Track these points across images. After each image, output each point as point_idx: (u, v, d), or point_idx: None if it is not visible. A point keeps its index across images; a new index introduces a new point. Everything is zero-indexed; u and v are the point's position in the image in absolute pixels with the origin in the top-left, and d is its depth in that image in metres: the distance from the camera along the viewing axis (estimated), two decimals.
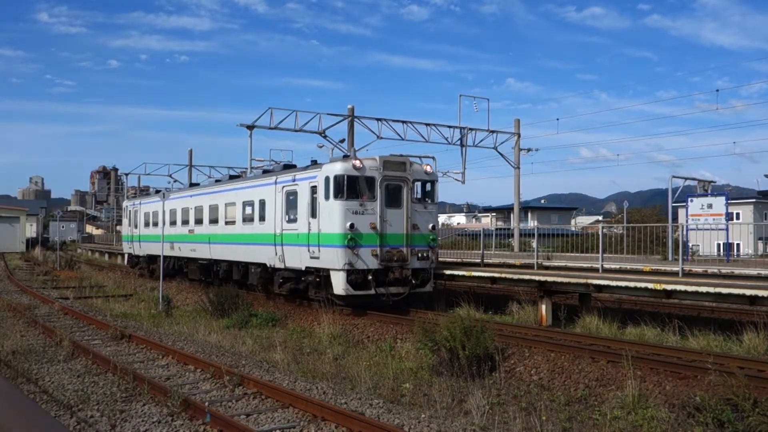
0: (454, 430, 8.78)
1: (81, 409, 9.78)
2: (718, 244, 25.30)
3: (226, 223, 24.53)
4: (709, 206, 21.14)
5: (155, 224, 31.74)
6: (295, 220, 19.68)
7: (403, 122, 30.90)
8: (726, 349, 13.51)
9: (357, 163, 18.21)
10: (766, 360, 12.06)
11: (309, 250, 18.76)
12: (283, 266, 20.28)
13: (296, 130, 29.78)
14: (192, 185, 33.60)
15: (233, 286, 22.19)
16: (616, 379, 11.34)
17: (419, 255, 18.89)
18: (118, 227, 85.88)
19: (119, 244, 66.07)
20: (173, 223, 29.79)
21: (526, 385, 11.67)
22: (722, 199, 21.37)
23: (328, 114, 30.42)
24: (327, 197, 18.20)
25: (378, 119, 30.54)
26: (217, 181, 30.78)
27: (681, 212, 29.13)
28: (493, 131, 33.21)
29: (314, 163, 19.99)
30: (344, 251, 17.64)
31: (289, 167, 22.44)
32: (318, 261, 18.56)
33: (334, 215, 17.97)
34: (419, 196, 19.49)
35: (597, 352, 12.82)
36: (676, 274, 16.56)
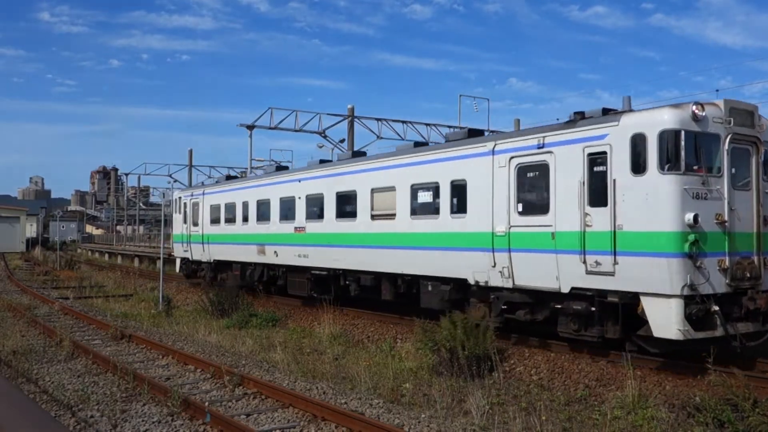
0: (454, 430, 8.79)
1: (81, 409, 9.79)
2: None
3: (375, 217, 16.89)
4: None
5: (231, 220, 24.15)
6: (541, 210, 12.71)
7: (403, 122, 30.96)
8: None
9: (697, 110, 11.06)
10: None
11: (584, 260, 11.80)
12: (508, 284, 13.12)
13: (296, 130, 29.83)
14: (279, 168, 24.45)
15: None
16: (616, 379, 11.34)
17: None
18: (118, 227, 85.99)
19: (119, 245, 66.31)
20: (263, 218, 21.99)
21: (526, 385, 11.67)
22: None
23: (328, 114, 30.51)
24: (639, 169, 11.18)
25: (378, 119, 30.59)
26: (320, 162, 21.13)
27: None
28: (493, 131, 33.16)
29: (581, 117, 12.44)
30: (682, 263, 10.73)
31: (499, 134, 15.36)
32: (608, 279, 11.53)
33: (658, 200, 10.98)
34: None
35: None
36: None
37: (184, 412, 9.45)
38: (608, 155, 11.57)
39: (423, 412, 9.70)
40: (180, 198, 29.55)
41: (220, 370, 11.65)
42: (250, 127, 29.78)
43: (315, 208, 19.52)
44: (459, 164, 14.55)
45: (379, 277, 16.88)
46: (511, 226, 13.06)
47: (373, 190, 17.01)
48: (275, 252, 21.08)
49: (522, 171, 13.13)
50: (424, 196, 15.60)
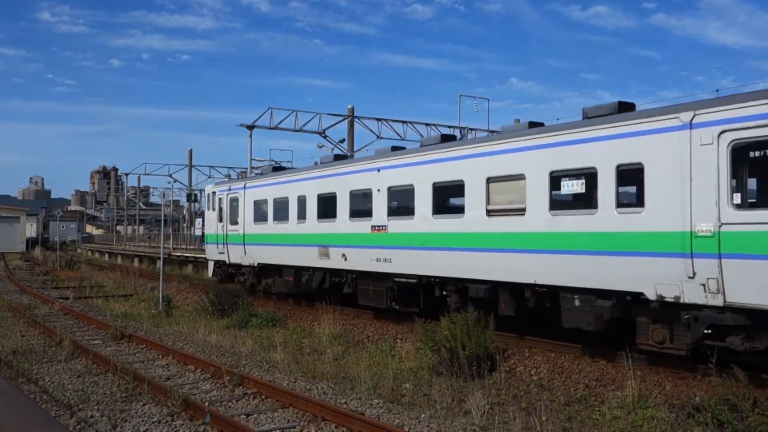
0: (454, 430, 8.79)
1: (81, 409, 9.79)
2: None
3: (492, 213, 13.56)
4: None
5: (282, 218, 20.76)
6: None
7: (403, 122, 30.99)
8: None
9: None
10: None
11: None
12: (715, 301, 9.91)
13: (296, 130, 29.85)
14: (338, 157, 20.74)
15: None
16: (616, 379, 11.34)
17: None
18: (118, 227, 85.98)
19: (119, 245, 66.28)
20: (327, 215, 18.75)
21: (526, 385, 11.67)
22: None
23: (328, 114, 30.54)
24: None
25: (378, 119, 30.61)
26: (392, 149, 17.60)
27: None
28: (492, 131, 33.20)
29: None
30: None
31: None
32: None
33: None
34: None
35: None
36: None
37: (184, 412, 9.45)
38: None
39: (423, 412, 9.70)
40: (214, 193, 25.53)
41: (220, 370, 11.66)
42: (250, 127, 29.79)
43: (401, 203, 16.25)
44: (630, 144, 11.12)
45: (495, 287, 13.60)
46: (723, 224, 9.78)
47: (489, 180, 13.64)
48: (343, 255, 17.59)
49: (740, 150, 9.85)
50: (571, 186, 12.20)
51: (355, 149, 29.70)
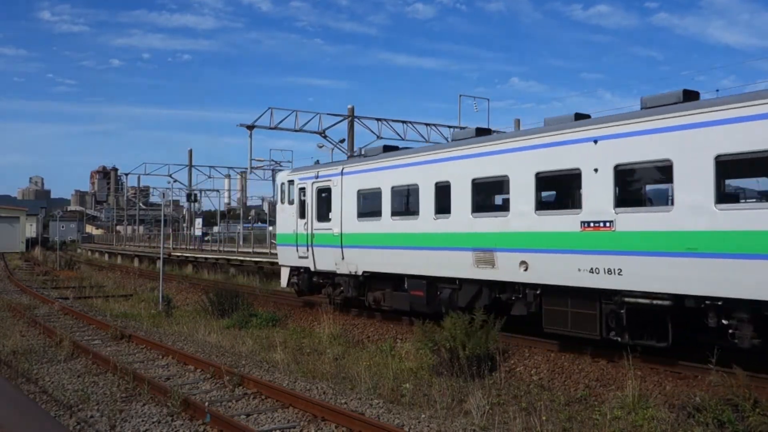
0: (454, 430, 8.78)
1: (81, 409, 9.79)
2: None
3: None
4: None
5: (406, 212, 16.18)
6: None
7: (403, 122, 30.99)
8: None
9: None
10: None
11: None
12: None
13: (296, 130, 29.82)
14: (480, 131, 15.75)
15: None
16: (616, 379, 11.34)
17: None
18: (118, 227, 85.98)
19: (119, 245, 66.30)
20: (489, 208, 14.62)
21: (526, 385, 11.67)
22: None
23: (328, 114, 30.52)
24: None
25: (378, 119, 30.62)
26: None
27: None
28: (495, 131, 33.13)
29: None
30: None
31: None
32: None
33: None
34: None
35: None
36: None
37: (184, 412, 9.45)
38: None
39: (423, 412, 9.69)
40: (291, 182, 20.52)
41: (220, 370, 11.65)
42: (250, 127, 29.77)
43: (642, 187, 12.18)
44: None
45: None
46: None
47: None
48: (522, 263, 12.87)
49: None
50: None
51: (354, 149, 29.69)
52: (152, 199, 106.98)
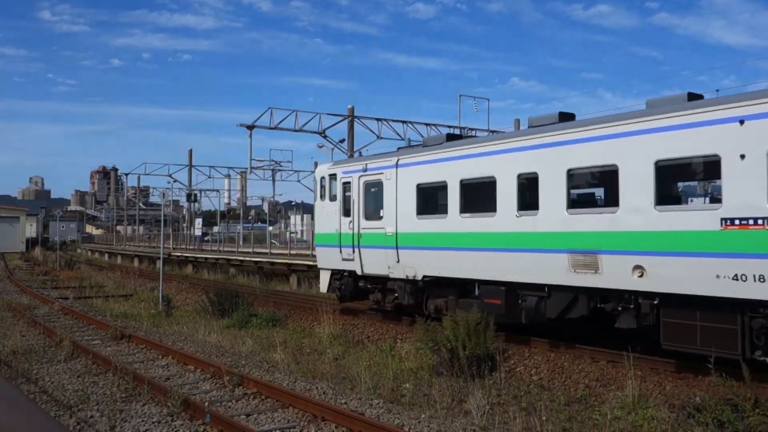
0: (454, 430, 8.78)
1: (81, 409, 9.79)
2: None
3: None
4: None
5: (479, 208, 14.13)
6: None
7: (403, 122, 31.01)
8: None
9: None
10: None
11: None
12: None
13: (296, 130, 29.86)
14: (564, 117, 13.32)
15: None
16: (616, 379, 11.34)
17: None
18: (118, 227, 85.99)
19: (119, 245, 66.28)
20: (587, 203, 13.36)
21: (526, 385, 11.67)
22: None
23: (328, 114, 30.56)
24: None
25: (378, 119, 30.64)
26: None
27: None
28: (493, 131, 33.20)
29: None
30: None
31: None
32: None
33: None
34: None
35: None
36: None
37: (184, 412, 9.45)
38: None
39: (423, 412, 9.69)
40: (334, 176, 18.43)
41: (220, 370, 11.65)
42: (250, 127, 29.80)
43: None
44: None
45: None
46: None
47: None
48: (637, 268, 10.94)
49: None
50: None
51: (354, 150, 29.70)
52: (152, 199, 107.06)
